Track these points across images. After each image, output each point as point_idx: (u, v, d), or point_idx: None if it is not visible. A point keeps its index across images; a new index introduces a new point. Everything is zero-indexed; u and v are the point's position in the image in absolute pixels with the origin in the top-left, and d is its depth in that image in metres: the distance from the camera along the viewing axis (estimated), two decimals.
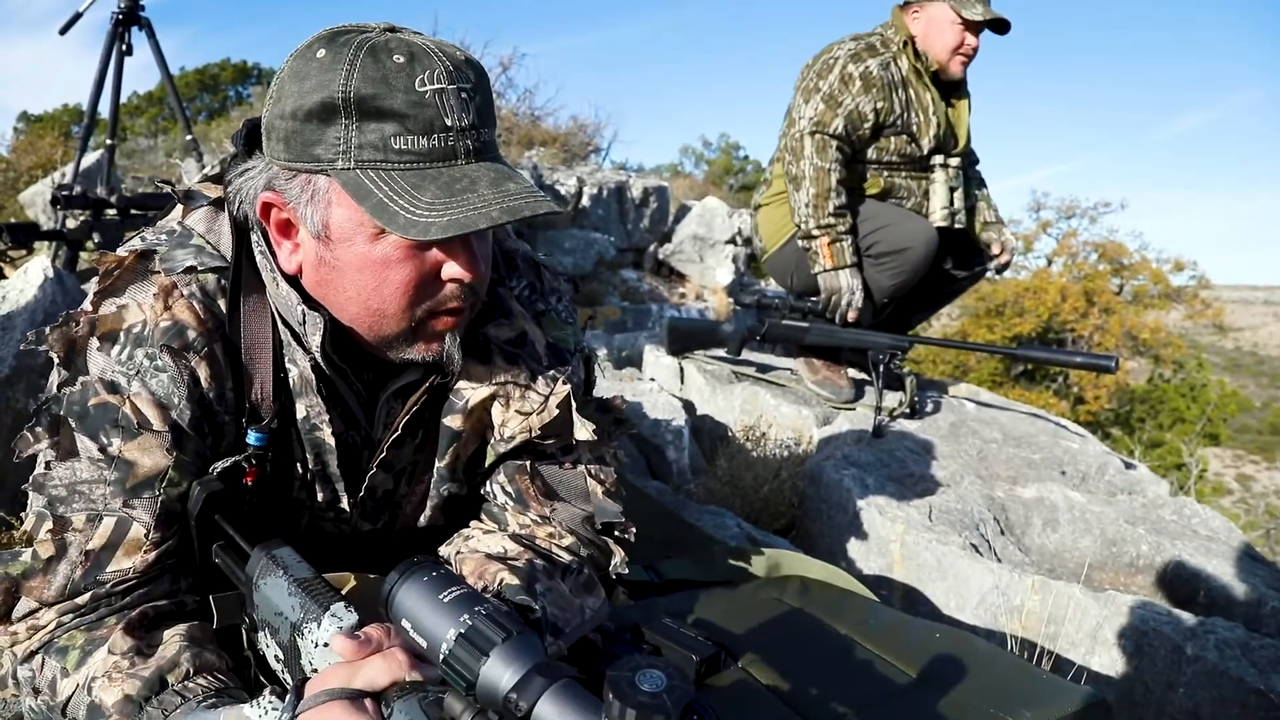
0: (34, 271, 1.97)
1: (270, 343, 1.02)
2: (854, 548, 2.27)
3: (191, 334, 0.97)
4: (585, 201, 7.49)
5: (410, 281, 0.94)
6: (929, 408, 2.91)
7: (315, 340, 0.99)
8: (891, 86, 2.79)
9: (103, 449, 0.93)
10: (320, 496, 1.11)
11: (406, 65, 0.87)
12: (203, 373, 0.98)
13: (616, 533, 1.18)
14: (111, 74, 3.77)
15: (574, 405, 1.11)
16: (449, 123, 0.88)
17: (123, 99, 3.99)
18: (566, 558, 1.11)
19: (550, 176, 7.43)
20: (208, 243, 1.02)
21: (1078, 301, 13.45)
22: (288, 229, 0.98)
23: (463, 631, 0.70)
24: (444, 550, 1.17)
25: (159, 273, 0.99)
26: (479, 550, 1.10)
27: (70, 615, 0.93)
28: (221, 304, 1.01)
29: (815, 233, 2.79)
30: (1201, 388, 14.61)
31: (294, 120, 0.90)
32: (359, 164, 0.89)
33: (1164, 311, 15.22)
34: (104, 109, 3.87)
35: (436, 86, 0.88)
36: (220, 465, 0.98)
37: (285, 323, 1.02)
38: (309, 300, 1.00)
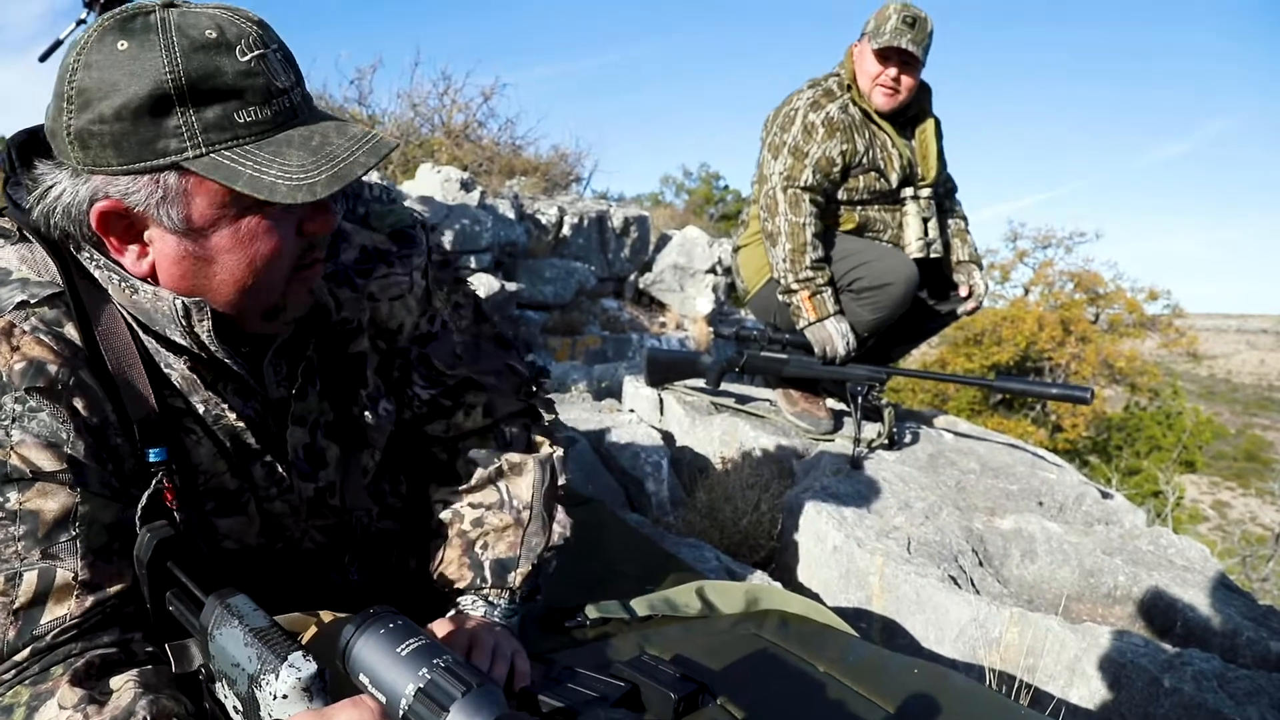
0: None
1: (137, 354, 0.99)
2: (833, 580, 2.27)
3: (52, 368, 0.92)
4: (566, 231, 7.51)
5: (279, 247, 0.95)
6: (907, 439, 2.92)
7: (204, 326, 0.96)
8: (853, 127, 2.82)
9: (1, 506, 0.88)
10: (256, 474, 1.11)
11: (220, 39, 0.86)
12: (79, 403, 0.93)
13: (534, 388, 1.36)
14: None
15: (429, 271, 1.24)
16: (280, 85, 0.90)
17: None
18: (524, 513, 1.27)
19: (531, 206, 7.45)
20: (29, 274, 0.97)
21: (1054, 330, 13.61)
22: (131, 235, 0.94)
23: (421, 686, 0.69)
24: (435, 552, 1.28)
25: None
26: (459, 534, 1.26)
27: (12, 672, 0.88)
28: (71, 329, 0.96)
29: (795, 287, 2.81)
30: (1177, 415, 14.75)
31: (119, 122, 0.86)
32: (209, 147, 0.87)
33: (1139, 340, 15.41)
34: None
35: (256, 53, 0.88)
36: (142, 500, 0.95)
37: (146, 330, 0.99)
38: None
